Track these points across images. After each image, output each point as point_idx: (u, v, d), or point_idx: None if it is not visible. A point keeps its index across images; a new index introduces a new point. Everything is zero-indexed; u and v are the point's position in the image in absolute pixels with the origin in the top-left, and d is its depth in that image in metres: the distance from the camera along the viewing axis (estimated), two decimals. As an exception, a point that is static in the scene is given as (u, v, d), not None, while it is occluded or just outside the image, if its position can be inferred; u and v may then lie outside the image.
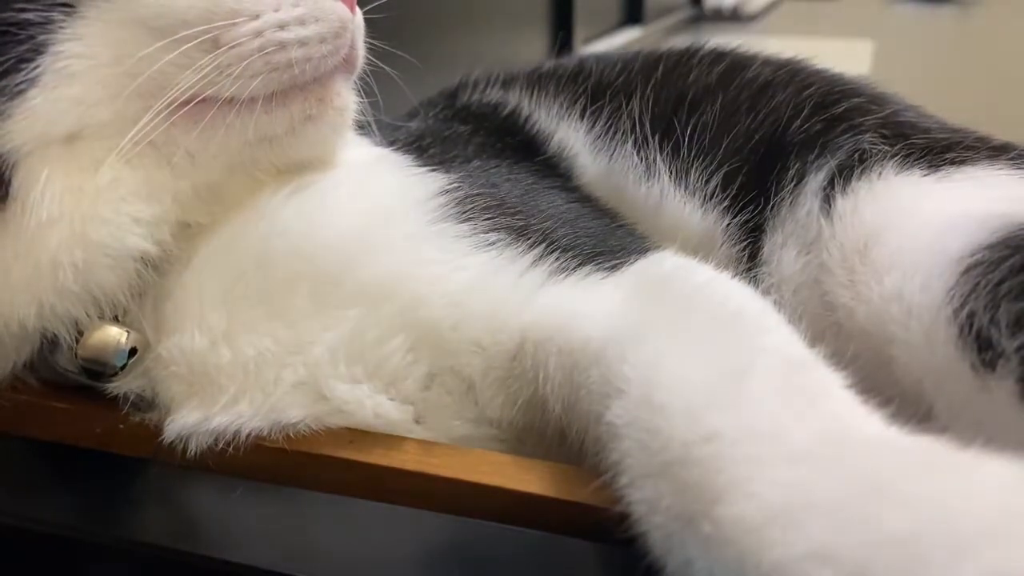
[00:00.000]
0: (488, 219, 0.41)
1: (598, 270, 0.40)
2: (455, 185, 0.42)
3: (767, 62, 0.55)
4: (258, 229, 0.40)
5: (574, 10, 2.50)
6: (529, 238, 0.41)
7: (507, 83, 0.57)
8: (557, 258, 0.40)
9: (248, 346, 0.38)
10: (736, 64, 0.54)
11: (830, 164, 0.47)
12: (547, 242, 0.41)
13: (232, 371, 0.38)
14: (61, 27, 0.36)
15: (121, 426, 0.40)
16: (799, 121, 0.49)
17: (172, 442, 0.38)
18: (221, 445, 0.38)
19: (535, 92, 0.55)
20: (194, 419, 0.38)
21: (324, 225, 0.40)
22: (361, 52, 0.43)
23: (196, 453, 0.38)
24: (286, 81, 0.39)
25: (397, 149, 0.49)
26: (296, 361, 0.38)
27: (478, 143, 0.51)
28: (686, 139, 0.50)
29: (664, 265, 0.40)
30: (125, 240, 0.37)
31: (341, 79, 0.42)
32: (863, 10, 3.54)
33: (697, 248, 0.47)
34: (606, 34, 3.00)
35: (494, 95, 0.56)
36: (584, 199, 0.49)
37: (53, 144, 0.36)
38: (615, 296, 0.38)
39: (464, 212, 0.41)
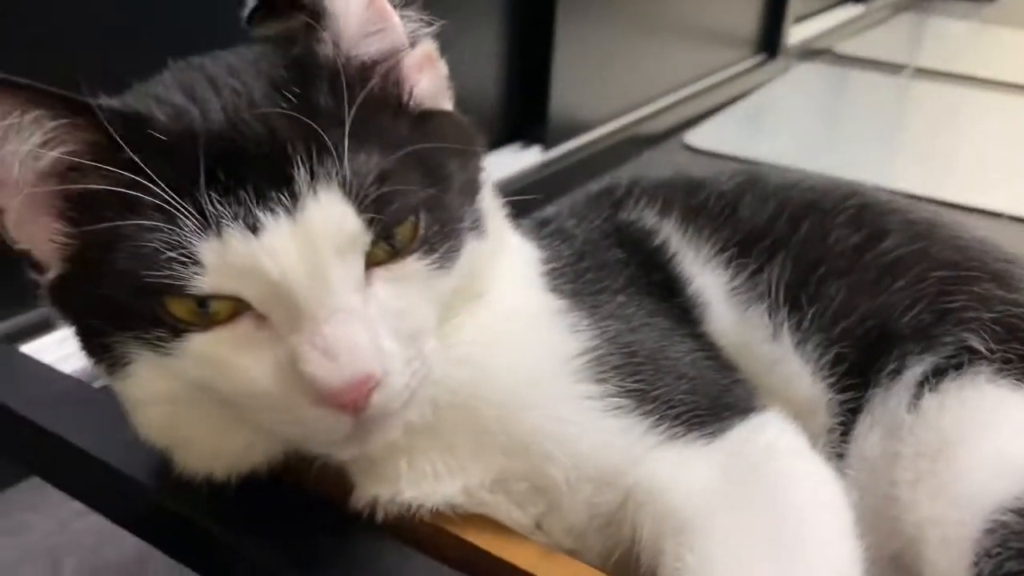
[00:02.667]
0: (619, 381, 0.50)
1: (703, 436, 0.49)
2: (595, 344, 0.51)
3: (906, 230, 0.58)
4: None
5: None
6: (651, 402, 0.49)
7: (665, 208, 0.62)
8: (671, 422, 0.49)
9: (426, 463, 0.49)
10: (874, 234, 0.58)
11: (931, 359, 0.52)
12: (666, 406, 0.49)
13: (412, 476, 0.49)
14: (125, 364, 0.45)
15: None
16: (913, 312, 0.54)
17: (362, 508, 0.51)
18: (406, 515, 0.49)
19: (687, 229, 0.61)
20: (383, 494, 0.50)
21: (485, 383, 0.49)
22: (403, 404, 0.45)
23: (382, 519, 0.50)
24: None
25: (558, 267, 0.57)
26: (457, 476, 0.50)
27: (628, 275, 0.58)
28: (810, 313, 0.56)
29: (762, 437, 0.48)
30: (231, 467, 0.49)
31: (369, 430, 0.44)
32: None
33: (800, 410, 0.54)
34: (823, 11, 2.90)
35: (650, 219, 0.62)
36: (710, 347, 0.56)
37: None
38: (710, 468, 0.47)
39: (600, 372, 0.50)
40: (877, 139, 2.13)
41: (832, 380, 0.55)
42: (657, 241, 0.61)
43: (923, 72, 2.54)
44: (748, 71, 2.42)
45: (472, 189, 0.51)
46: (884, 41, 2.86)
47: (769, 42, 2.49)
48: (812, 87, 2.54)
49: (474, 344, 0.50)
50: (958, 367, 0.51)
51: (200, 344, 0.42)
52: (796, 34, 2.59)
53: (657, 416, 0.49)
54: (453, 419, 0.49)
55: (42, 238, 0.45)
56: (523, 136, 1.69)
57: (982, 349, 0.51)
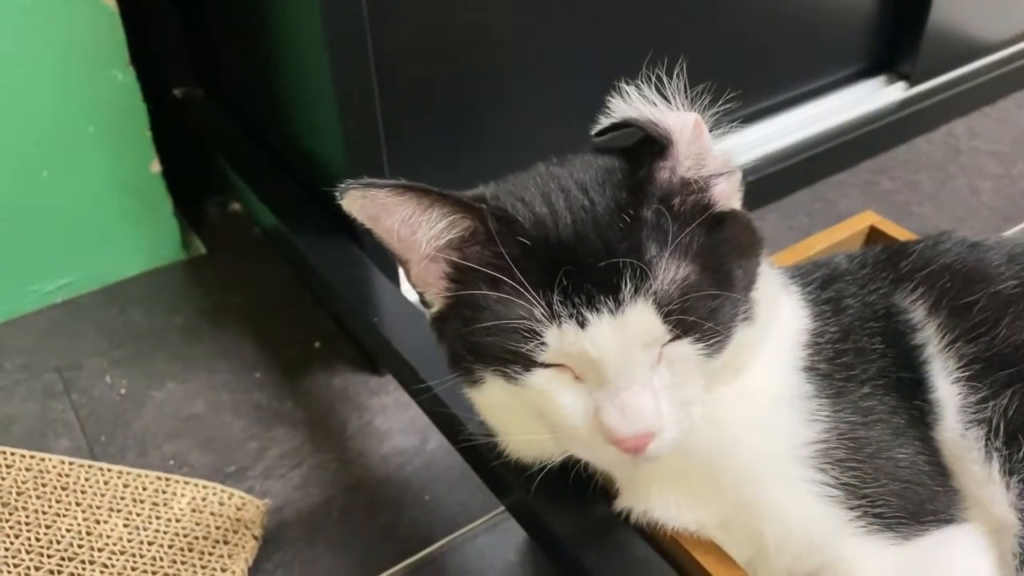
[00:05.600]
0: (837, 474, 0.60)
1: (897, 536, 0.59)
2: (826, 437, 0.62)
3: None
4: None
5: None
6: (860, 498, 0.60)
7: (935, 304, 0.68)
8: (871, 519, 0.59)
9: (670, 494, 0.66)
10: None
11: None
12: (872, 504, 0.60)
13: (659, 501, 0.66)
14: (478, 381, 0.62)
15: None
16: None
17: (620, 511, 0.69)
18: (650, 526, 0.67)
19: (945, 335, 0.66)
20: (637, 508, 0.68)
21: (726, 446, 0.63)
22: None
23: (633, 522, 0.69)
24: None
25: (821, 343, 0.66)
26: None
27: (880, 367, 0.66)
28: (1022, 452, 0.61)
29: (948, 552, 0.58)
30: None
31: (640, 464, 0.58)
32: None
33: (998, 528, 0.62)
34: None
35: (919, 314, 0.68)
36: (933, 452, 0.64)
37: None
38: (891, 568, 0.58)
39: (823, 463, 0.61)
40: None
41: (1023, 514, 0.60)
42: (917, 340, 0.67)
43: None
44: None
45: (749, 284, 0.62)
46: None
47: None
48: None
49: (727, 412, 0.63)
50: None
51: (540, 378, 0.59)
52: None
53: (860, 512, 0.60)
54: (697, 467, 0.64)
55: (433, 288, 0.64)
56: (886, 69, 1.64)
57: None
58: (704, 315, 0.57)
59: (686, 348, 0.58)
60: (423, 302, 0.67)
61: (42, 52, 1.20)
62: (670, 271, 0.56)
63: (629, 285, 0.55)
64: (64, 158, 1.29)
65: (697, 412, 0.60)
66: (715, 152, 0.61)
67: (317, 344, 1.29)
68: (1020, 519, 0.61)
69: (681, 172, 0.59)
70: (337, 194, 0.59)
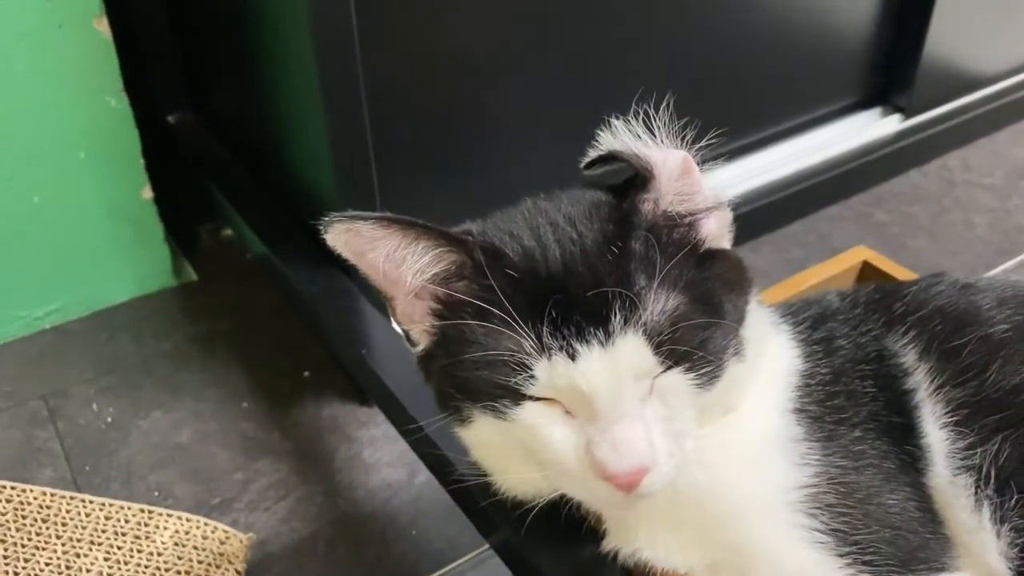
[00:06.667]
0: (826, 519, 0.59)
1: None
2: (816, 481, 0.61)
3: None
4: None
5: None
6: (849, 545, 0.58)
7: (926, 349, 0.66)
8: (862, 566, 0.58)
9: (659, 535, 0.64)
10: None
11: None
12: (862, 552, 0.58)
13: (647, 542, 0.65)
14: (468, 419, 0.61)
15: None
16: None
17: (608, 552, 0.68)
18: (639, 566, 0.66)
19: (934, 379, 0.64)
20: (624, 549, 0.66)
21: (715, 488, 0.61)
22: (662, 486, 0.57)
23: (622, 563, 0.67)
24: None
25: (812, 384, 0.65)
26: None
27: (871, 411, 0.64)
28: (1014, 499, 0.59)
29: None
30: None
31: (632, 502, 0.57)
32: None
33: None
34: None
35: (910, 358, 0.66)
36: (924, 498, 0.62)
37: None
38: None
39: (812, 508, 0.59)
40: None
41: (1017, 564, 0.59)
42: (908, 385, 0.66)
43: None
44: None
45: (739, 320, 0.61)
46: None
47: None
48: None
49: (717, 453, 0.62)
50: None
51: (529, 412, 0.58)
52: None
53: (850, 559, 0.59)
54: (686, 507, 0.63)
55: (419, 325, 0.63)
56: (881, 101, 1.64)
57: None
58: (695, 345, 0.56)
59: (678, 379, 0.57)
60: (409, 340, 0.66)
61: (35, 78, 1.20)
62: (659, 302, 0.56)
63: (619, 316, 0.54)
64: (56, 184, 1.29)
65: (689, 446, 0.59)
66: (705, 190, 0.61)
67: (306, 373, 1.28)
68: (1011, 568, 0.60)
69: (664, 205, 0.59)
70: (321, 228, 0.58)
